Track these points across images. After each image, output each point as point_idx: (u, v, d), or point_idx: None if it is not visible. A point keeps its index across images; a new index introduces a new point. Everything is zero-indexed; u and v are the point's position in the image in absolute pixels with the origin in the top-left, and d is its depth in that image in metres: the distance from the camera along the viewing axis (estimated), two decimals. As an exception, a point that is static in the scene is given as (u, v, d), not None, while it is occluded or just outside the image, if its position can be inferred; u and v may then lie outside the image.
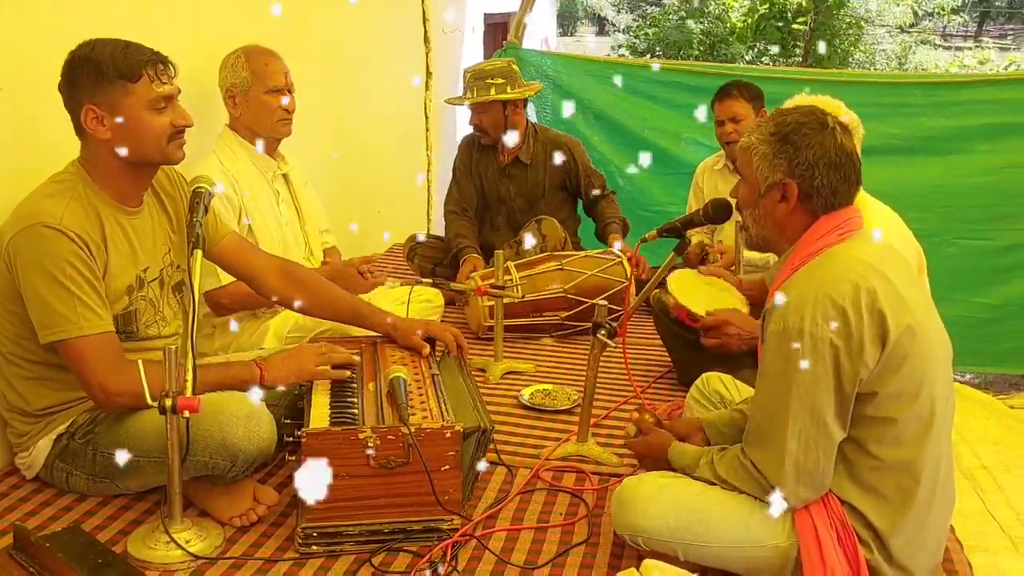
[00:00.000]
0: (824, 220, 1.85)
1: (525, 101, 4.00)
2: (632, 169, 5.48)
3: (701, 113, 3.79)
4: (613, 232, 3.98)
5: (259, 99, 2.92)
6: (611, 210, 4.07)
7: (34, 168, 2.22)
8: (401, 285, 3.58)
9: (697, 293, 2.81)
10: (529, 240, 3.78)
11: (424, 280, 3.65)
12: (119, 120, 2.09)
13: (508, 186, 4.06)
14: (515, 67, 3.98)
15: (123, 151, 2.13)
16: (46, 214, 2.04)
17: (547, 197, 4.06)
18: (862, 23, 14.40)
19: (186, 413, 1.86)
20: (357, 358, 2.39)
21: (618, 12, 19.23)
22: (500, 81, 3.85)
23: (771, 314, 1.80)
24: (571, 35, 22.38)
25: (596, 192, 4.08)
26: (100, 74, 2.06)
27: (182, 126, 2.17)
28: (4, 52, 2.31)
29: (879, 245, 1.87)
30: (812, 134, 1.84)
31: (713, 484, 1.90)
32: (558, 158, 3.96)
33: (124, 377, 2.01)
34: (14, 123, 2.36)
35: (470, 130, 4.11)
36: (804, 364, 1.72)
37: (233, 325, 2.89)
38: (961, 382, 5.27)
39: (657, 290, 2.98)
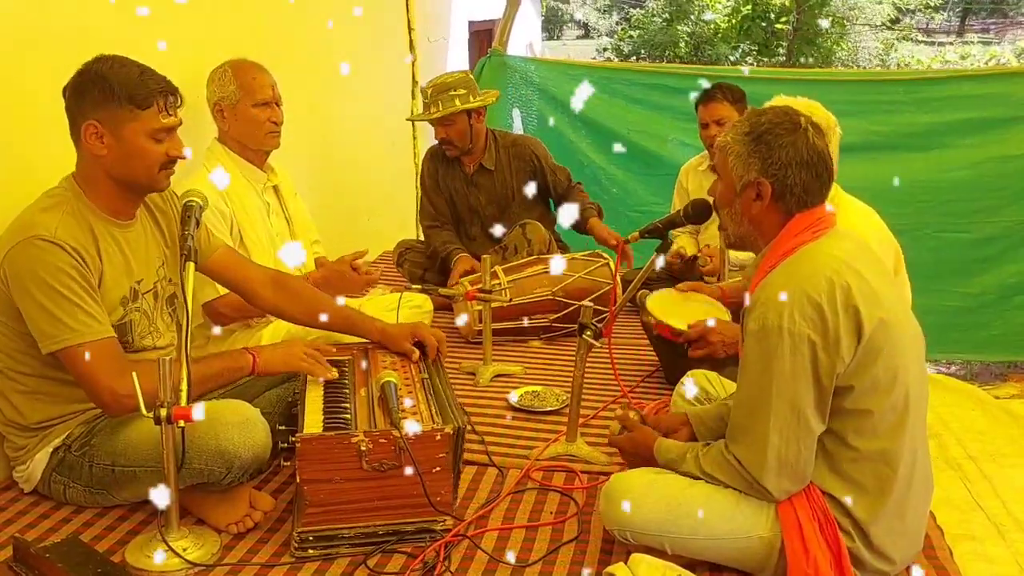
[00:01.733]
0: (799, 219, 1.90)
1: (485, 109, 4.04)
2: (618, 171, 5.54)
3: (686, 114, 3.84)
4: (590, 216, 4.04)
5: (247, 112, 2.96)
6: (582, 198, 4.13)
7: (27, 186, 2.25)
8: (390, 292, 3.62)
9: (677, 309, 2.86)
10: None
11: (413, 286, 3.70)
12: (118, 141, 2.13)
13: (477, 195, 4.11)
14: (472, 76, 4.04)
15: (115, 170, 2.17)
16: (40, 227, 2.08)
17: (517, 200, 4.11)
18: (844, 22, 14.50)
19: (181, 423, 1.89)
20: (336, 374, 2.40)
21: (602, 14, 19.31)
22: (463, 91, 3.89)
23: (750, 312, 1.85)
24: (557, 39, 22.45)
25: (565, 186, 4.14)
26: (110, 94, 2.10)
27: (175, 157, 2.22)
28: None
29: (852, 242, 1.93)
30: (785, 134, 1.89)
31: (699, 479, 1.95)
32: (521, 159, 4.05)
33: (130, 380, 2.02)
34: (4, 141, 2.39)
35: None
36: (783, 360, 1.77)
37: (216, 330, 2.92)
38: (947, 373, 5.35)
39: (644, 291, 3.02)
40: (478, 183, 4.09)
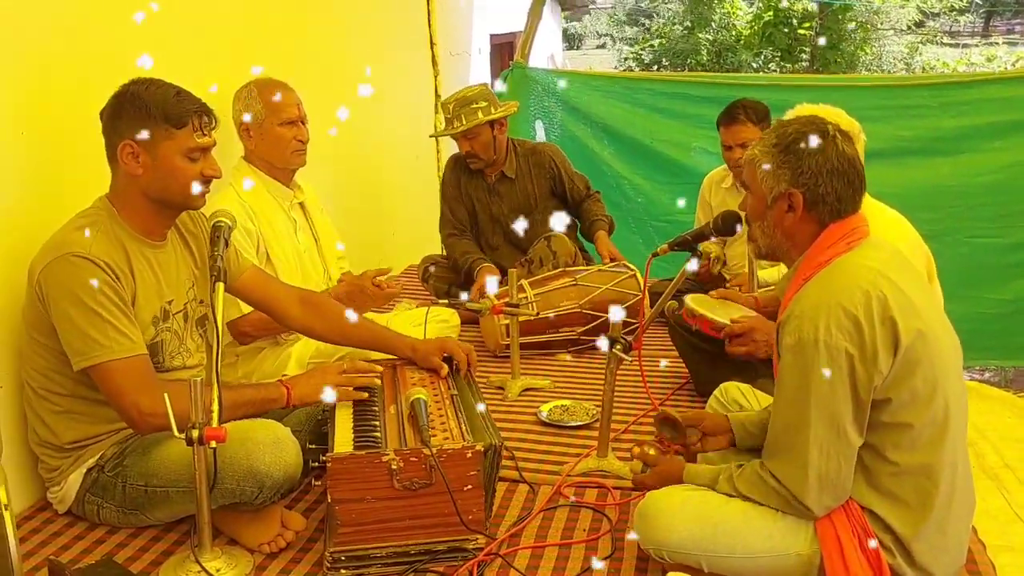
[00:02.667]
0: (832, 229, 1.88)
1: (507, 119, 4.04)
2: (642, 181, 5.53)
3: (710, 122, 3.82)
4: (599, 229, 4.05)
5: (273, 131, 2.98)
6: (597, 208, 4.14)
7: (60, 206, 2.28)
8: (417, 307, 3.62)
9: (716, 308, 2.83)
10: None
11: (440, 300, 3.70)
12: (155, 160, 2.16)
13: (499, 204, 4.11)
14: (489, 89, 4.05)
15: (150, 189, 2.19)
16: (75, 244, 2.10)
17: (539, 207, 4.10)
18: (867, 26, 14.40)
19: (213, 443, 1.89)
20: (378, 381, 2.42)
21: (620, 26, 19.33)
22: (484, 104, 3.91)
23: (785, 326, 1.82)
24: (577, 49, 22.48)
25: (583, 193, 4.14)
26: (147, 114, 2.13)
27: (210, 177, 2.24)
28: (26, 97, 2.37)
29: (887, 251, 1.89)
30: (813, 144, 1.86)
31: (733, 498, 1.92)
32: (541, 167, 4.07)
33: (158, 397, 2.03)
34: (37, 164, 2.42)
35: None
36: (820, 374, 1.74)
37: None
38: (980, 380, 5.26)
39: (673, 302, 3.00)
40: (500, 192, 4.10)
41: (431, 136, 4.72)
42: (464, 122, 3.89)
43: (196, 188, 2.21)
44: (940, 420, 1.79)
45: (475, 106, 3.89)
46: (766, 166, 1.90)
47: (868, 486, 1.83)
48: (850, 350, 1.73)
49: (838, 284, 1.79)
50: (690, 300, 2.85)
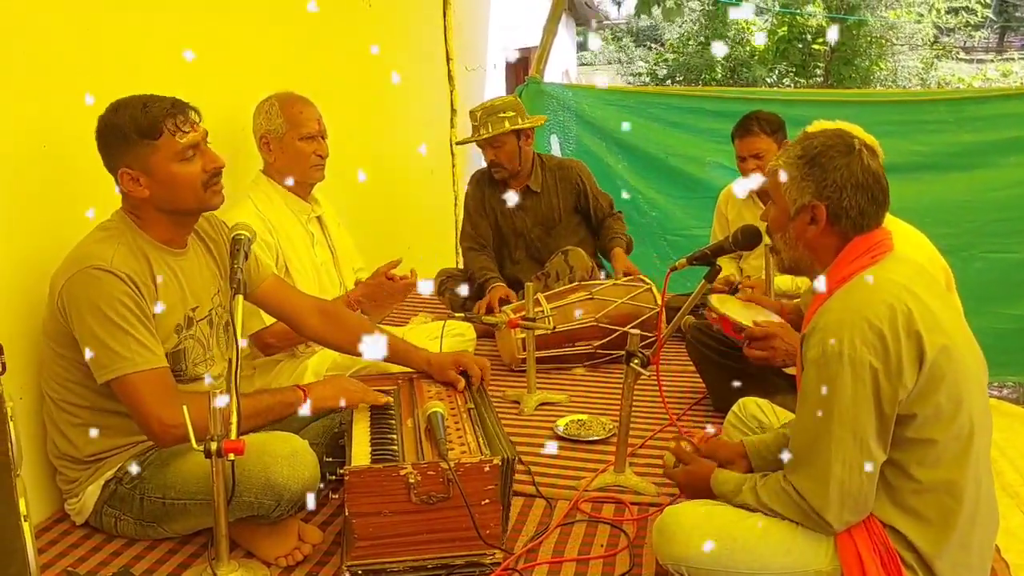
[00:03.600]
0: (856, 243, 1.87)
1: (533, 131, 4.06)
2: (657, 195, 5.53)
3: (725, 137, 3.82)
4: (617, 246, 4.06)
5: (293, 145, 2.99)
6: (618, 226, 4.16)
7: (80, 219, 2.29)
8: (433, 320, 3.62)
9: (740, 310, 2.80)
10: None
11: (456, 314, 3.70)
12: (153, 177, 2.16)
13: (523, 218, 4.12)
14: (520, 100, 4.08)
15: (162, 204, 2.20)
16: (96, 257, 2.11)
17: (563, 222, 4.12)
18: (883, 41, 14.39)
19: (231, 456, 1.89)
20: (389, 400, 2.42)
21: (627, 50, 19.41)
22: (511, 114, 3.94)
23: (809, 339, 1.81)
24: (591, 64, 22.53)
25: (606, 212, 4.17)
26: (124, 137, 2.13)
27: (213, 169, 2.22)
28: (43, 110, 2.40)
29: (911, 266, 1.88)
30: (839, 156, 1.86)
31: (755, 511, 1.90)
32: (567, 182, 4.09)
33: (179, 409, 2.03)
34: (58, 175, 2.44)
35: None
36: (844, 388, 1.73)
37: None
38: (999, 397, 5.21)
39: (690, 317, 2.99)
40: (524, 205, 4.11)
41: (457, 144, 4.74)
42: (490, 129, 3.92)
43: (204, 186, 2.20)
44: (964, 436, 1.77)
45: (502, 115, 3.92)
46: (790, 177, 1.89)
47: (890, 503, 1.81)
48: (875, 364, 1.72)
49: (863, 298, 1.78)
50: (715, 299, 2.83)
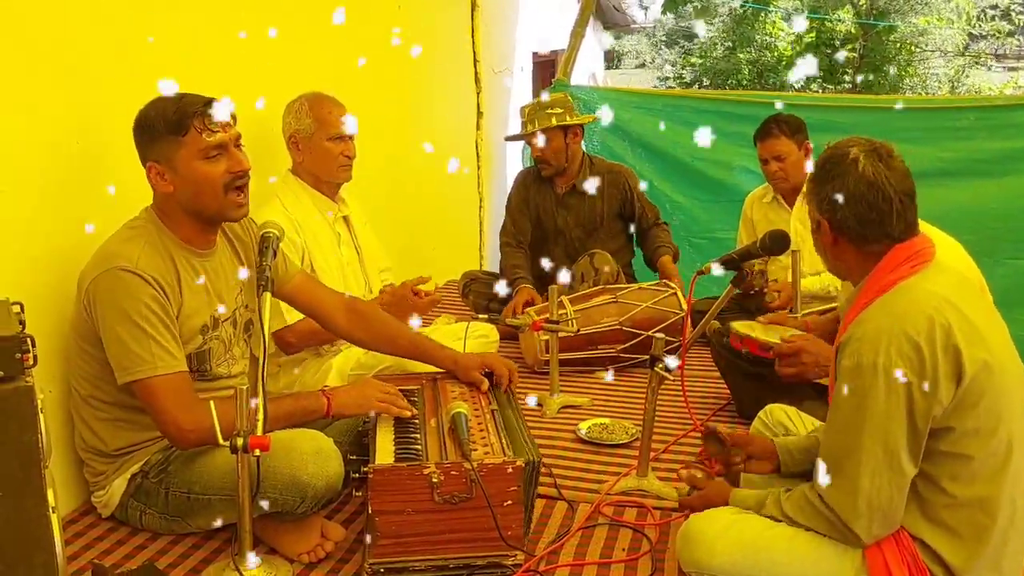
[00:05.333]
0: (896, 251, 1.83)
1: (582, 130, 4.06)
2: (683, 199, 5.51)
3: (751, 141, 3.81)
4: (664, 254, 4.04)
5: (322, 146, 3.00)
6: (664, 236, 4.14)
7: (110, 215, 2.32)
8: (456, 322, 3.62)
9: (765, 331, 2.78)
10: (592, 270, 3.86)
11: (480, 316, 3.70)
12: (176, 173, 2.18)
13: (565, 216, 4.11)
14: (571, 99, 4.07)
15: (185, 203, 2.22)
16: (123, 258, 2.13)
17: (605, 226, 4.11)
18: (912, 47, 14.25)
19: (257, 452, 1.90)
20: (415, 411, 2.38)
21: (658, 47, 19.34)
22: (559, 111, 3.95)
23: (844, 349, 1.78)
24: (617, 68, 22.48)
25: (652, 222, 4.15)
26: (154, 131, 2.16)
27: (238, 171, 2.21)
28: (77, 107, 2.42)
29: (953, 276, 1.85)
30: (834, 168, 1.85)
31: (780, 522, 1.89)
32: (616, 187, 4.07)
33: (197, 415, 2.07)
34: (89, 172, 2.47)
35: (520, 167, 4.17)
36: (877, 399, 1.70)
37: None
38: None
39: (715, 322, 2.97)
40: (568, 204, 4.11)
41: (506, 139, 4.74)
42: (536, 125, 3.94)
43: (226, 188, 2.19)
44: (1002, 453, 1.73)
45: (550, 111, 3.94)
46: (806, 192, 1.90)
47: (922, 516, 1.78)
48: (909, 377, 1.68)
49: (901, 309, 1.74)
50: (737, 325, 2.81)
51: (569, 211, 4.11)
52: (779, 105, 4.00)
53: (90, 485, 2.36)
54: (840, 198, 1.82)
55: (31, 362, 1.51)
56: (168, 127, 2.14)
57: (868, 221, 1.83)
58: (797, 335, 2.58)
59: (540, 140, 3.94)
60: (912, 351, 1.69)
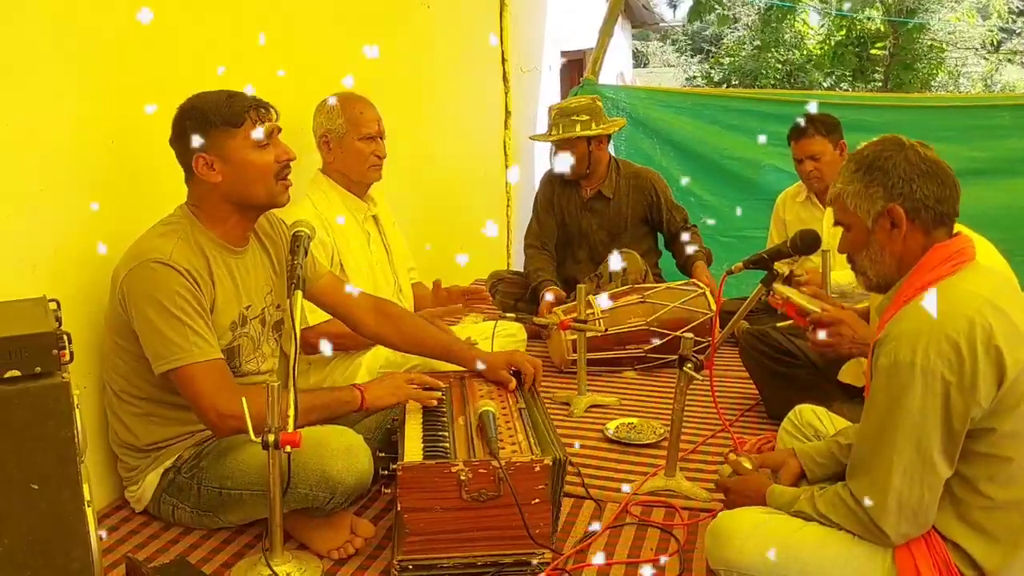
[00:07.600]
0: (936, 250, 1.81)
1: (608, 136, 4.04)
2: (712, 197, 5.48)
3: (781, 140, 3.77)
4: (699, 260, 4.00)
5: (353, 145, 3.03)
6: (696, 240, 4.10)
7: (143, 213, 2.35)
8: (484, 320, 3.63)
9: (807, 300, 2.74)
10: (616, 262, 3.80)
11: (507, 315, 3.70)
12: (228, 163, 2.22)
13: (590, 220, 4.10)
14: (599, 104, 4.04)
15: (233, 193, 2.25)
16: (156, 251, 2.16)
17: (629, 230, 4.09)
18: (944, 46, 14.07)
19: (288, 448, 1.92)
20: (443, 384, 2.45)
21: (681, 55, 19.28)
22: (585, 118, 3.91)
23: (881, 346, 1.75)
24: (644, 67, 22.42)
25: (680, 226, 4.11)
26: (207, 122, 2.20)
27: (285, 160, 2.28)
28: (113, 107, 2.46)
29: (995, 277, 1.82)
30: (894, 154, 1.83)
31: (811, 520, 1.87)
32: (641, 191, 4.05)
33: (236, 400, 2.05)
34: (124, 172, 2.51)
35: (548, 166, 4.17)
36: (913, 398, 1.68)
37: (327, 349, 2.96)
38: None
39: (746, 326, 2.95)
40: (593, 208, 4.10)
41: (531, 138, 4.74)
42: (560, 132, 3.93)
43: (276, 176, 2.26)
44: None
45: (575, 118, 3.92)
46: (855, 192, 1.85)
47: (956, 518, 1.76)
48: (948, 377, 1.66)
49: (941, 308, 1.70)
50: (780, 288, 2.77)
51: (594, 215, 4.10)
52: (812, 106, 3.95)
53: (123, 480, 2.40)
54: (915, 176, 1.80)
55: (67, 358, 1.54)
56: (223, 119, 2.20)
57: (943, 198, 1.81)
58: (836, 308, 2.52)
59: (561, 153, 3.94)
60: (951, 351, 1.67)
